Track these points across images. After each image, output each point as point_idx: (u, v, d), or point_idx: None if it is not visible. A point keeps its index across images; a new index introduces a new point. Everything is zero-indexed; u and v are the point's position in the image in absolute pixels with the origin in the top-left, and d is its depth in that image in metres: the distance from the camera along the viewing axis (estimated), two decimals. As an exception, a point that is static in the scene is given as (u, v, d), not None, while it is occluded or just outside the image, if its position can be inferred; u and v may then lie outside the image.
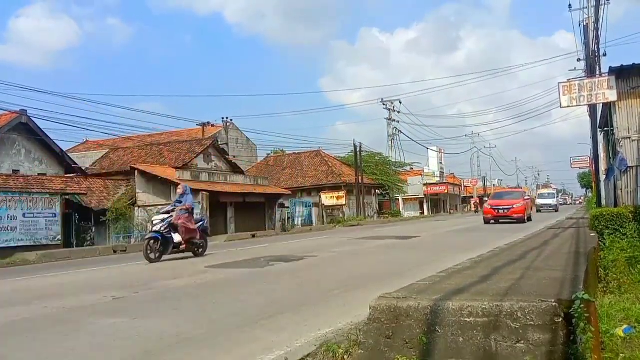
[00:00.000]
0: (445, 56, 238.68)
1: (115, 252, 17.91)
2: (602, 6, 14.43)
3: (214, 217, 24.88)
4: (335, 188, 38.00)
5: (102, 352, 4.26)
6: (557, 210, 42.35)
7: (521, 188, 55.72)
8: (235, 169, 31.68)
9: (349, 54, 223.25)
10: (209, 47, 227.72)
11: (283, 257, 11.54)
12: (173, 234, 11.41)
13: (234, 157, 35.85)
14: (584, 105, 14.75)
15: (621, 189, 12.64)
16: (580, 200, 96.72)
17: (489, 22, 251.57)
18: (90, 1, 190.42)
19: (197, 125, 36.54)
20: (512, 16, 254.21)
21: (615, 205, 13.15)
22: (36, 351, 4.40)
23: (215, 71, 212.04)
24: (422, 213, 54.41)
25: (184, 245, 11.72)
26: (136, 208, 24.82)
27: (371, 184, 42.36)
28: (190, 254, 12.11)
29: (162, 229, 11.24)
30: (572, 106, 13.04)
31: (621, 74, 12.22)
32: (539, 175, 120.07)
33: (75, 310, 6.18)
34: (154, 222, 11.54)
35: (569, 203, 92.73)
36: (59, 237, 19.45)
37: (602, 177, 20.44)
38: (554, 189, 55.13)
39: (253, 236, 23.93)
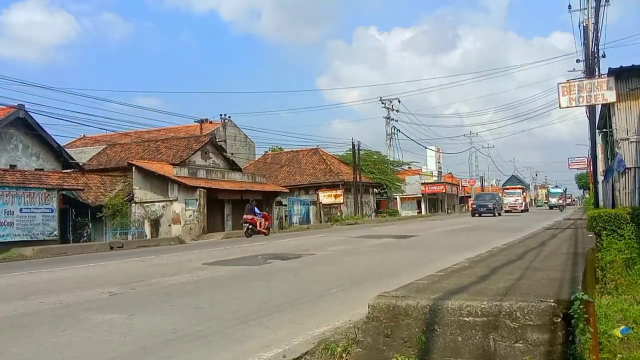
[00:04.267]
0: (443, 56, 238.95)
1: (111, 248, 17.88)
2: (602, 7, 14.39)
3: (211, 214, 24.84)
4: (333, 186, 37.97)
5: (98, 348, 4.24)
6: None
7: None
8: (233, 166, 31.58)
9: (346, 53, 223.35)
10: (207, 45, 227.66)
11: (280, 255, 11.54)
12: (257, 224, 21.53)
13: (232, 154, 35.72)
14: (583, 105, 14.76)
15: (619, 190, 12.63)
16: (574, 200, 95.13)
17: (486, 23, 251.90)
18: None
19: (195, 121, 36.43)
20: (509, 17, 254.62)
21: (613, 206, 13.15)
22: (32, 347, 4.37)
23: (213, 69, 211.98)
24: (420, 212, 54.40)
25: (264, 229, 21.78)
26: (133, 204, 24.73)
27: (369, 182, 42.32)
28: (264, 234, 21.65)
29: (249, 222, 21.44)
30: (572, 107, 13.05)
31: (620, 75, 12.20)
32: (536, 175, 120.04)
33: (71, 306, 6.16)
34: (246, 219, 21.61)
35: (558, 205, 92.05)
36: (56, 232, 19.40)
37: (600, 178, 20.45)
38: None
39: (250, 234, 23.87)
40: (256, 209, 22.33)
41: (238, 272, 8.99)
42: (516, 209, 46.46)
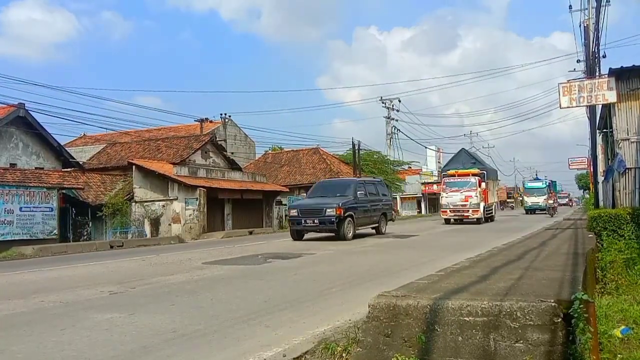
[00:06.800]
0: (443, 56, 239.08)
1: (112, 247, 17.89)
2: (602, 7, 14.37)
3: (211, 214, 24.84)
4: (333, 186, 37.97)
5: (99, 346, 4.24)
6: None
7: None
8: (233, 166, 31.57)
9: (346, 53, 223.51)
10: (207, 45, 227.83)
11: (280, 254, 11.54)
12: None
13: (232, 153, 35.71)
14: (584, 106, 14.76)
15: (619, 191, 12.63)
16: (571, 201, 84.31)
17: (486, 23, 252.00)
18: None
19: (195, 121, 36.37)
20: (509, 17, 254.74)
21: (613, 206, 13.15)
22: (33, 345, 4.37)
23: (213, 68, 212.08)
24: (420, 212, 54.44)
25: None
26: (133, 203, 24.72)
27: (369, 182, 42.24)
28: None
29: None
30: (572, 107, 13.03)
31: (621, 75, 12.18)
32: (536, 175, 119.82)
33: (72, 305, 6.16)
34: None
35: (547, 207, 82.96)
36: (55, 231, 19.38)
37: (600, 178, 20.45)
38: None
39: (250, 233, 23.91)
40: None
41: (238, 272, 8.98)
42: (466, 216, 24.96)
